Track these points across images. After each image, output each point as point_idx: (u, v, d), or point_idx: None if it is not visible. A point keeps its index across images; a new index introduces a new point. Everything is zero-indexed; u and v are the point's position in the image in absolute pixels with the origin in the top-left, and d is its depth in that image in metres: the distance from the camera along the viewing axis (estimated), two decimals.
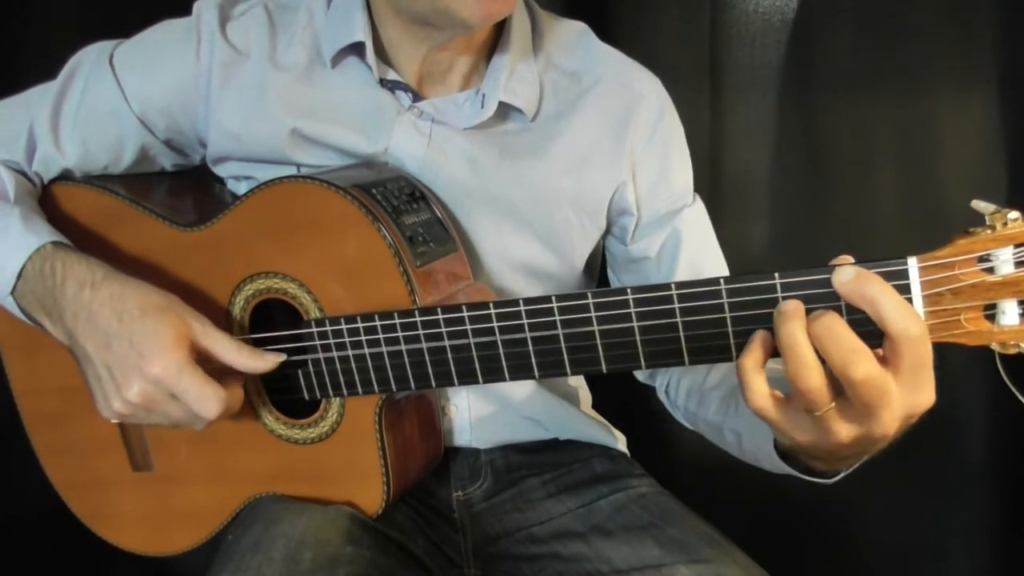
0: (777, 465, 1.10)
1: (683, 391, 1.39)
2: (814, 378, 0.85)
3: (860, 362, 0.83)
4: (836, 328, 0.84)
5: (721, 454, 1.29)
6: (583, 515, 1.31)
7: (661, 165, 1.36)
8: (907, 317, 0.83)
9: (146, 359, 1.07)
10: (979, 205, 0.85)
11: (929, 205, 1.95)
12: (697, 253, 1.38)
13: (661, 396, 1.47)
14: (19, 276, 1.18)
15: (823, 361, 0.85)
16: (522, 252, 1.33)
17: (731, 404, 1.26)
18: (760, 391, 0.90)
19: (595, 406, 1.55)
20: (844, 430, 0.89)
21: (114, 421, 1.16)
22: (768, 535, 1.60)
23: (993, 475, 2.06)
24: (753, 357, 0.90)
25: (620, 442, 1.50)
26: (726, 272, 1.40)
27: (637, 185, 1.35)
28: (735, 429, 1.24)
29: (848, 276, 0.85)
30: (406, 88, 1.29)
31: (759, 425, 1.05)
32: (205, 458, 1.29)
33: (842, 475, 1.05)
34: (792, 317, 0.86)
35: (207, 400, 1.09)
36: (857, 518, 2.11)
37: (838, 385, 0.86)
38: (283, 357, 1.15)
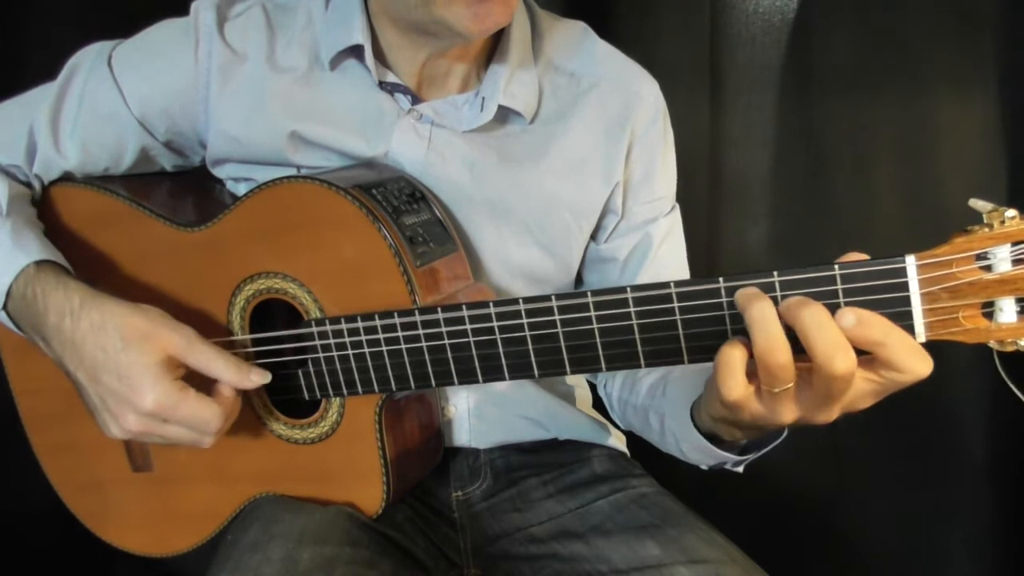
0: (695, 441, 1.12)
1: (618, 382, 1.41)
2: (784, 354, 0.85)
3: (845, 357, 0.83)
4: (824, 321, 0.83)
5: None
6: (583, 515, 1.31)
7: (647, 168, 1.37)
8: (919, 362, 0.84)
9: (136, 393, 1.09)
10: (977, 203, 0.85)
11: (929, 205, 1.96)
12: (664, 263, 1.38)
13: (600, 391, 1.49)
14: (8, 295, 1.19)
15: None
16: (521, 256, 1.33)
17: (659, 388, 1.28)
18: (741, 381, 0.89)
19: (595, 406, 1.54)
20: (792, 412, 0.89)
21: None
22: (768, 535, 1.60)
23: (993, 475, 2.06)
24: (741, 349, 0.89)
25: (620, 442, 1.50)
26: None
27: (625, 185, 1.36)
28: (659, 410, 1.25)
29: (850, 321, 0.84)
30: (405, 90, 1.29)
31: (682, 406, 1.10)
32: (205, 459, 1.29)
33: (752, 457, 1.12)
34: (759, 296, 0.86)
35: (207, 422, 1.11)
36: (857, 518, 2.12)
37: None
38: (268, 377, 1.15)
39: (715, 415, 1.02)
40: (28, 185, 1.33)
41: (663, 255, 1.38)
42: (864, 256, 0.88)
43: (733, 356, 0.88)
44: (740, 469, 1.18)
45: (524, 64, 1.31)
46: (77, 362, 1.13)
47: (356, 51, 1.27)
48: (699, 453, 1.16)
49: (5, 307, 1.20)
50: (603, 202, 1.35)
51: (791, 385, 0.87)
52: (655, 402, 1.28)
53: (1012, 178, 1.92)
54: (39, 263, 1.19)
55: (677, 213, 1.42)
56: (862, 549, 2.14)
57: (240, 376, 1.13)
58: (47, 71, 1.33)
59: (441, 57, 1.27)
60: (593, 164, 1.33)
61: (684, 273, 1.42)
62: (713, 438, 1.10)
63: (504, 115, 1.30)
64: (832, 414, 0.89)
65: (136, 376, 1.08)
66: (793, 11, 1.93)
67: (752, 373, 0.89)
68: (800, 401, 0.89)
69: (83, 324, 1.12)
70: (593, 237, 1.40)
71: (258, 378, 1.14)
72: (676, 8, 1.95)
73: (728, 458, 1.13)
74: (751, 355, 0.87)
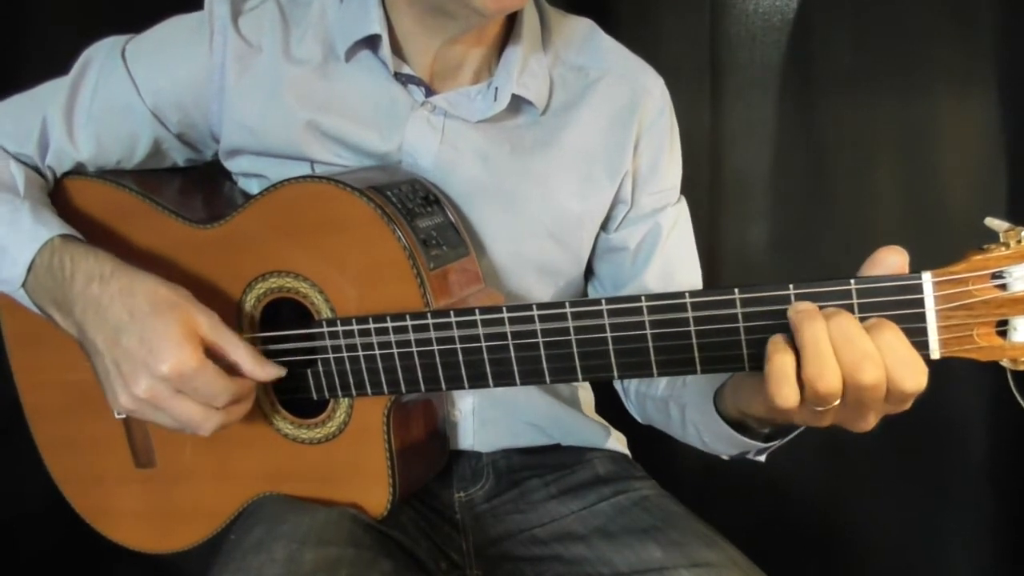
0: (721, 431, 1.13)
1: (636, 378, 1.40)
2: (834, 383, 0.85)
3: (872, 368, 0.84)
4: (852, 331, 0.84)
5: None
6: (585, 517, 1.32)
7: (654, 159, 1.38)
8: (920, 375, 0.85)
9: (155, 356, 1.08)
10: (993, 223, 0.85)
11: (929, 205, 1.96)
12: (673, 252, 1.39)
13: (616, 385, 1.49)
14: (29, 269, 1.19)
15: None
16: (534, 248, 1.34)
17: (678, 379, 1.29)
18: (796, 388, 0.87)
19: (597, 407, 1.55)
20: (830, 420, 0.90)
21: (121, 416, 1.16)
22: (769, 536, 1.61)
23: (993, 475, 2.07)
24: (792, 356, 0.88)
25: (621, 444, 1.50)
26: (699, 277, 1.43)
27: (634, 176, 1.37)
28: (680, 401, 1.26)
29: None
30: (419, 82, 1.30)
31: (704, 395, 1.12)
32: (209, 456, 1.30)
33: (778, 444, 1.13)
34: (816, 316, 0.86)
35: (216, 396, 1.10)
36: (857, 518, 2.12)
37: None
38: (283, 372, 1.16)
39: (751, 412, 1.03)
40: (39, 174, 1.34)
41: (673, 244, 1.39)
42: (901, 251, 0.89)
43: (785, 364, 0.87)
44: (762, 458, 1.19)
45: (535, 54, 1.32)
46: (99, 325, 1.13)
47: (371, 42, 1.27)
48: (722, 442, 1.17)
49: (24, 284, 1.21)
50: (612, 191, 1.36)
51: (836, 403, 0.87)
52: (675, 393, 1.29)
53: (1012, 178, 1.93)
54: (64, 236, 1.19)
55: (684, 204, 1.44)
56: (862, 549, 2.15)
57: (257, 367, 1.13)
58: (47, 71, 1.34)
59: (455, 43, 1.27)
60: (601, 153, 1.34)
61: (694, 262, 1.44)
62: (736, 426, 1.11)
63: (517, 105, 1.31)
64: (869, 422, 0.90)
65: (158, 340, 1.08)
66: (793, 11, 1.93)
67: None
68: (837, 412, 0.89)
69: (112, 287, 1.13)
70: (603, 227, 1.40)
71: (272, 371, 1.14)
72: (676, 7, 1.96)
73: (754, 445, 1.13)
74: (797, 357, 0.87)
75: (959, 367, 1.86)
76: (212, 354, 1.11)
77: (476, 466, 1.41)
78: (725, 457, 1.24)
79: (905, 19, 1.91)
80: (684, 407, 1.25)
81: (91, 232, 1.24)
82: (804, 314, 0.87)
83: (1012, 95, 1.92)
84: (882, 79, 1.93)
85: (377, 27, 1.25)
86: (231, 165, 1.38)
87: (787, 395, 0.87)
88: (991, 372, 0.89)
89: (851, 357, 0.84)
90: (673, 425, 1.31)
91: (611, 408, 1.51)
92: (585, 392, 1.55)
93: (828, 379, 0.85)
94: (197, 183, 1.41)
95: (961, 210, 1.85)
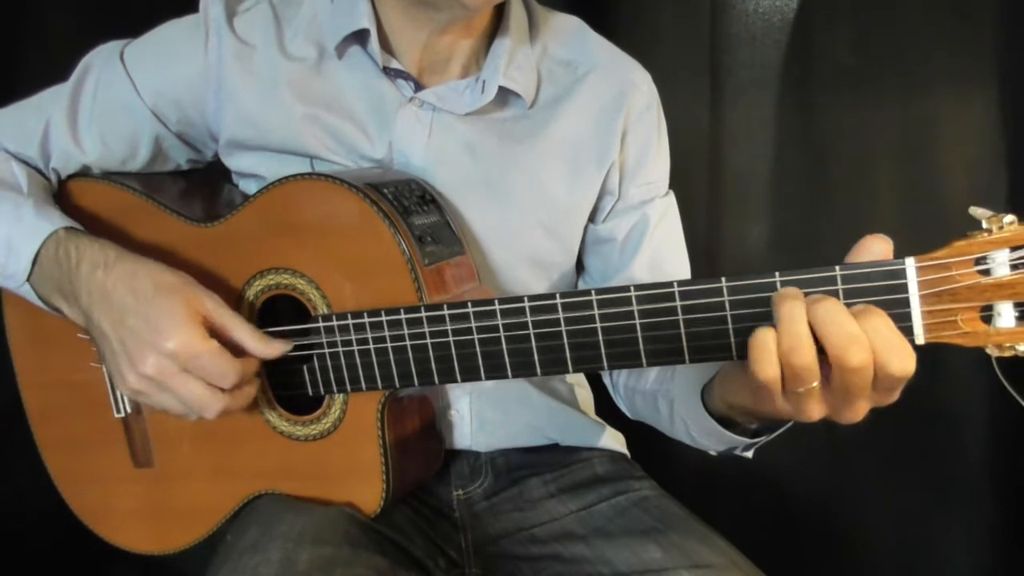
0: (707, 426, 1.13)
1: (625, 370, 1.41)
2: (807, 355, 0.85)
3: (859, 350, 0.84)
4: (839, 314, 0.85)
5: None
6: (584, 517, 1.32)
7: (641, 152, 1.39)
8: (908, 359, 0.85)
9: (161, 334, 1.09)
10: (976, 211, 0.86)
11: (929, 205, 1.96)
12: (661, 244, 1.40)
13: (605, 380, 1.49)
14: (34, 262, 1.20)
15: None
16: (525, 240, 1.35)
17: (667, 373, 1.29)
18: (775, 360, 0.88)
19: (596, 406, 1.55)
20: (818, 410, 0.90)
21: (120, 415, 1.16)
22: (769, 537, 1.60)
23: (993, 475, 2.06)
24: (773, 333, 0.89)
25: (620, 443, 1.50)
26: (687, 268, 1.44)
27: (621, 168, 1.38)
28: (668, 396, 1.27)
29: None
30: (407, 76, 1.31)
31: (692, 390, 1.12)
32: (207, 454, 1.30)
33: (764, 440, 1.13)
34: (795, 296, 0.87)
35: (224, 375, 1.11)
36: (857, 518, 2.12)
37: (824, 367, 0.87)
38: (290, 346, 1.16)
39: (737, 403, 1.04)
40: (41, 174, 1.35)
41: (661, 235, 1.40)
42: (886, 239, 0.91)
43: (767, 339, 0.87)
44: (750, 454, 1.19)
45: (523, 48, 1.33)
46: (105, 308, 1.14)
47: (361, 37, 1.28)
48: (710, 438, 1.17)
49: (29, 277, 1.22)
50: (599, 181, 1.37)
51: (815, 385, 0.87)
52: (664, 387, 1.30)
53: (1012, 178, 1.93)
54: (68, 228, 1.21)
55: (672, 197, 1.44)
56: (862, 549, 2.14)
57: (261, 343, 1.14)
58: (46, 71, 1.35)
59: (443, 35, 1.28)
60: (588, 143, 1.35)
61: (682, 255, 1.44)
62: (724, 422, 1.12)
63: (504, 98, 1.32)
64: (858, 411, 0.90)
65: (163, 319, 1.09)
66: (793, 11, 1.93)
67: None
68: (824, 399, 0.89)
69: (116, 273, 1.14)
70: (592, 219, 1.41)
71: (278, 347, 1.15)
72: (676, 8, 1.96)
73: (740, 441, 1.14)
74: None
75: (958, 365, 1.87)
76: (216, 335, 1.13)
77: (475, 464, 1.42)
78: (713, 453, 1.24)
79: (905, 19, 1.91)
80: (672, 402, 1.25)
81: (94, 230, 1.25)
82: (783, 295, 0.88)
83: (1012, 95, 1.91)
84: (882, 79, 1.93)
85: (365, 22, 1.26)
86: (231, 163, 1.39)
87: (766, 368, 0.87)
88: (989, 370, 0.89)
89: (838, 340, 0.84)
90: (662, 420, 1.31)
91: (611, 407, 1.51)
92: (584, 391, 1.55)
93: (803, 352, 0.85)
94: (198, 184, 1.43)
95: (961, 210, 1.81)
